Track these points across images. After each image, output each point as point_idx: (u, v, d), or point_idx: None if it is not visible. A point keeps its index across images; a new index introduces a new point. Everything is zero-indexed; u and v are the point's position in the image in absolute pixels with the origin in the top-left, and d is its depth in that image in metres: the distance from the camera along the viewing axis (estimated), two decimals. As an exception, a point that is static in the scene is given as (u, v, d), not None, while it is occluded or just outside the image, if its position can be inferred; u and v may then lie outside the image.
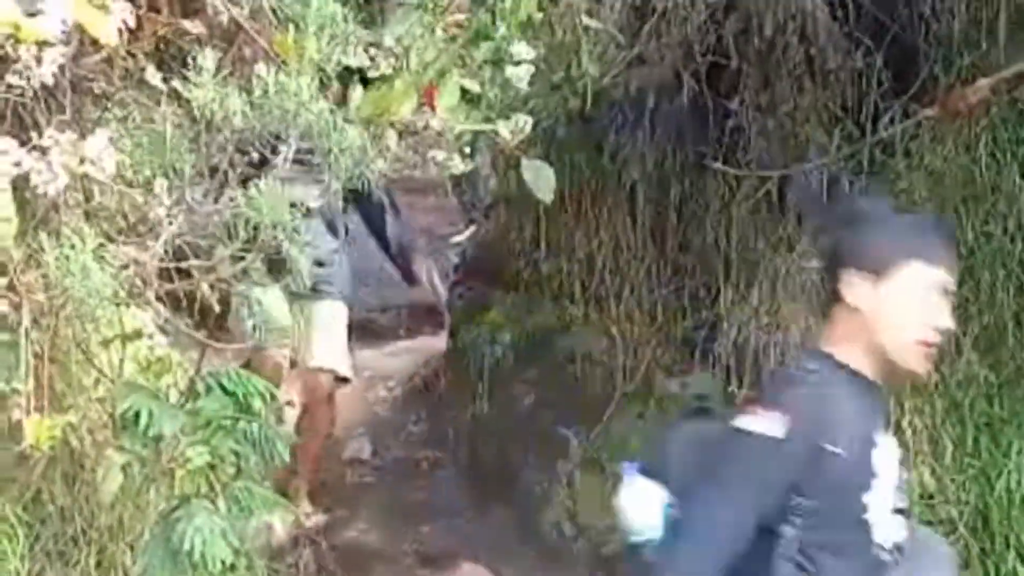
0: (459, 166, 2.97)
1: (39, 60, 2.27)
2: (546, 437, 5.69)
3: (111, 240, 2.80)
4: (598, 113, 5.39)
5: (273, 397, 3.36)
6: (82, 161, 2.24)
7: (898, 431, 4.63)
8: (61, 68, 2.37)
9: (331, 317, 5.80)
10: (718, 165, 4.96)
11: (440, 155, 2.93)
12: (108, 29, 2.30)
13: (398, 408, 7.25)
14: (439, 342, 7.53)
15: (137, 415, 2.94)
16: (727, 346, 5.07)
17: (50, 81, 2.31)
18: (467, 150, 3.02)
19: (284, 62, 2.63)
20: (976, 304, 4.73)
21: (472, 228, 7.99)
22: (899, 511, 2.47)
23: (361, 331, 8.79)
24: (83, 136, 2.31)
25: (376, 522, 5.95)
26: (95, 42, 2.52)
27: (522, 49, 3.07)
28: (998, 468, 4.49)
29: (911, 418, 4.67)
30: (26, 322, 2.65)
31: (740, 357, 5.03)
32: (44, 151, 2.27)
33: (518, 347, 6.08)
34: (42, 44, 2.26)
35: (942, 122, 4.54)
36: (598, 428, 5.46)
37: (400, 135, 3.00)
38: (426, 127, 2.99)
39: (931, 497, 4.46)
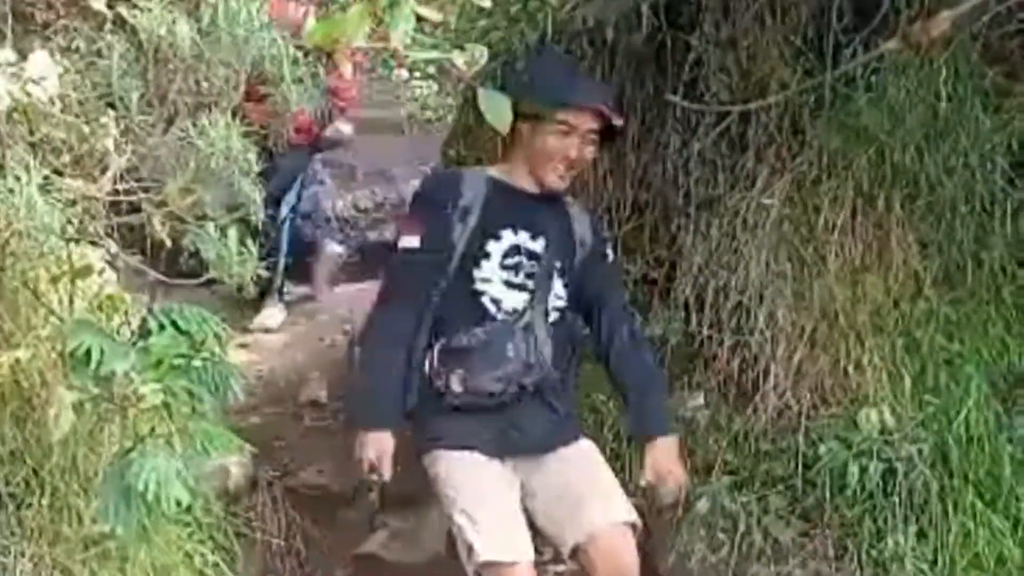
0: (421, 88, 2.91)
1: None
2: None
3: (58, 174, 2.72)
4: (556, 46, 5.31)
5: (227, 336, 3.30)
6: (24, 83, 2.15)
7: (858, 369, 4.64)
8: (-1, -6, 2.28)
9: None
10: (678, 100, 4.90)
11: (403, 74, 2.86)
12: (47, -51, 2.20)
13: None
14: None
15: (88, 353, 2.87)
16: (687, 285, 5.04)
17: (-11, 3, 2.22)
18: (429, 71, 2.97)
19: (234, -13, 2.55)
20: (937, 241, 4.73)
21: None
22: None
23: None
24: (24, 58, 2.22)
25: (334, 466, 5.91)
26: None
27: (480, -27, 2.99)
28: (957, 405, 4.51)
29: (870, 355, 4.67)
30: (-30, 258, 2.57)
31: (700, 295, 5.00)
32: (-17, 71, 2.19)
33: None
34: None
35: (904, 56, 4.50)
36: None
37: (355, 68, 2.92)
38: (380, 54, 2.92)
39: (891, 434, 4.46)
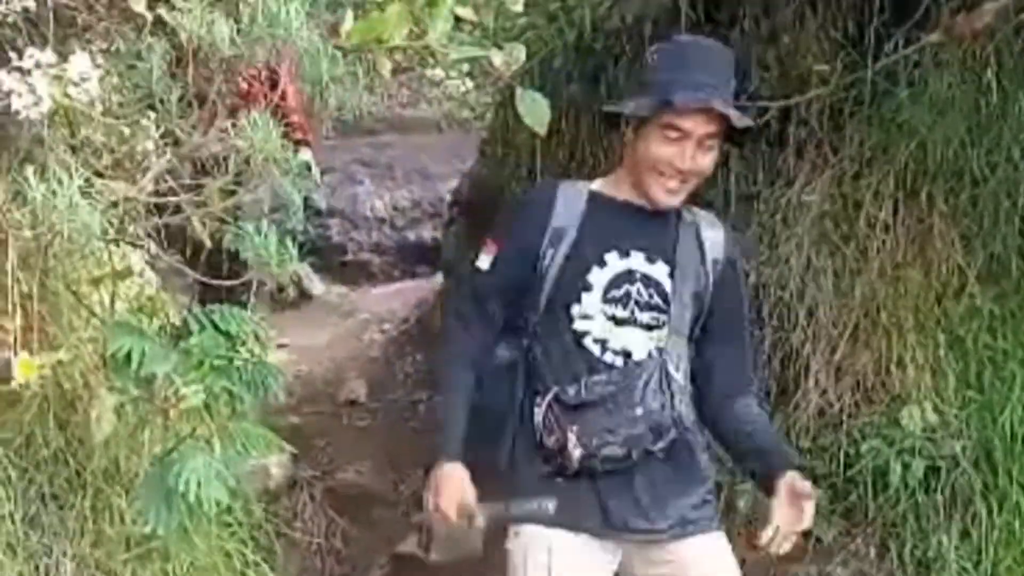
0: (458, 86, 2.91)
1: (17, -12, 2.19)
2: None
3: (99, 175, 2.73)
4: (595, 44, 5.29)
5: (267, 336, 3.30)
6: (65, 84, 2.15)
7: (900, 366, 4.60)
8: (42, -1, 2.29)
9: None
10: (717, 96, 4.86)
11: (439, 73, 2.85)
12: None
13: (393, 350, 7.21)
14: (433, 283, 7.49)
15: (128, 355, 2.88)
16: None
17: (32, 5, 2.23)
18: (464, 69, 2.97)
19: (273, -13, 2.54)
20: (980, 236, 4.68)
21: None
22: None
23: (355, 273, 8.80)
24: (65, 59, 2.23)
25: (373, 465, 5.93)
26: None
27: (516, -28, 2.98)
28: (1001, 402, 4.46)
29: (913, 352, 4.63)
30: (13, 260, 2.59)
31: (740, 292, 4.96)
32: (25, 73, 2.19)
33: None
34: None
35: (946, 49, 4.46)
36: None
37: (394, 67, 2.93)
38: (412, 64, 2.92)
39: (934, 431, 4.43)
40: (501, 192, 6.08)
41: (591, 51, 5.32)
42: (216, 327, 3.10)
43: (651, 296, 2.97)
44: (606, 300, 2.94)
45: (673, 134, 2.85)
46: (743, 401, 3.09)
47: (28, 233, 2.51)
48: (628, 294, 2.95)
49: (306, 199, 3.75)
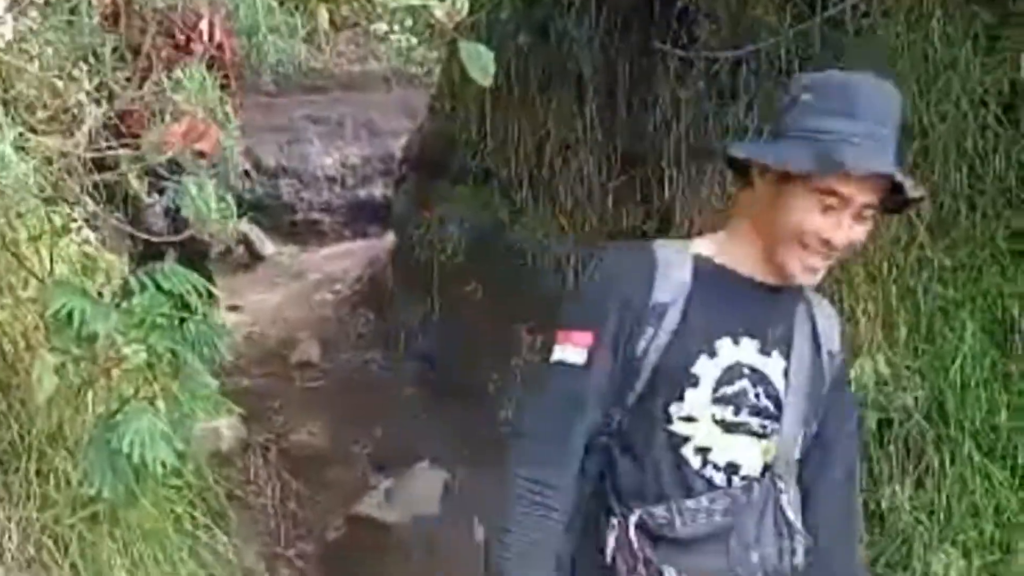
0: (400, 39, 2.85)
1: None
2: (499, 333, 5.63)
3: (33, 131, 2.67)
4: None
5: (211, 294, 3.26)
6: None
7: (851, 318, 4.59)
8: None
9: None
10: (667, 48, 4.83)
11: (382, 27, 2.80)
12: None
13: (345, 310, 7.17)
14: (385, 242, 7.44)
15: (70, 314, 2.84)
16: (680, 236, 4.99)
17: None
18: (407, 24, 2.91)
19: (207, -65, 2.48)
20: (929, 186, 4.67)
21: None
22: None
23: (306, 233, 8.74)
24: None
25: (327, 426, 5.90)
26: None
27: (461, -81, 2.92)
28: (952, 352, 4.47)
29: (864, 304, 4.63)
30: (-55, 219, 2.53)
31: (693, 247, 4.95)
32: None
33: (466, 242, 5.98)
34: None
35: (894, -2, 4.45)
36: (551, 322, 5.37)
37: (338, 23, 2.87)
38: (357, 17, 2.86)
39: (886, 384, 4.43)
40: (452, 147, 6.04)
41: (539, 3, 5.28)
42: (159, 286, 3.05)
43: (760, 397, 2.33)
44: (716, 399, 2.30)
45: (830, 200, 2.21)
46: (843, 558, 2.45)
47: (-40, 191, 2.45)
48: (743, 392, 2.31)
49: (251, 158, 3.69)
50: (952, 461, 4.30)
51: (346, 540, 5.13)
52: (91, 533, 3.34)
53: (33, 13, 2.71)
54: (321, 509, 5.29)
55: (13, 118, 2.54)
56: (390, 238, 7.25)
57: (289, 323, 6.97)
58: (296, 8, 2.68)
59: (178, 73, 2.52)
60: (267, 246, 8.38)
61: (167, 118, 2.55)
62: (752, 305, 2.34)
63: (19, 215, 2.90)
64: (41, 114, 2.72)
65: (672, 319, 2.28)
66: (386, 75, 8.80)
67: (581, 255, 4.79)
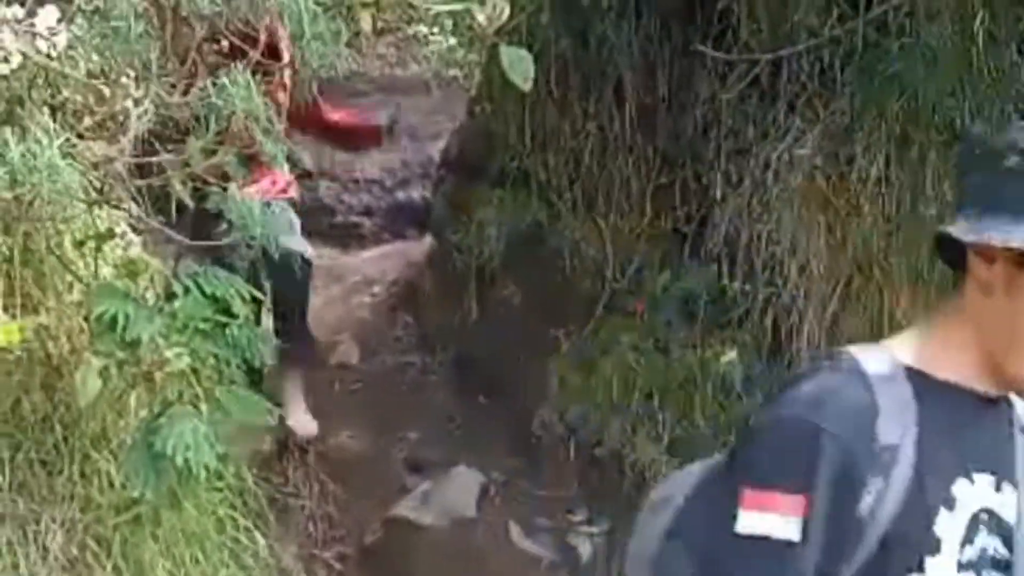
0: (440, 41, 2.85)
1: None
2: (535, 337, 5.62)
3: (80, 137, 2.69)
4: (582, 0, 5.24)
5: (255, 299, 3.27)
6: (35, 37, 2.11)
7: (893, 322, 4.57)
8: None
9: None
10: (708, 50, 4.82)
11: (422, 28, 2.80)
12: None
13: (384, 312, 7.17)
14: (423, 245, 7.43)
15: (113, 318, 2.86)
16: (718, 239, 4.97)
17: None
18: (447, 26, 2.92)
19: (253, -57, 2.50)
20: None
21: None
22: None
23: (344, 236, 8.74)
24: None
25: (365, 429, 5.90)
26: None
27: (502, -75, 2.93)
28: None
29: (906, 308, 4.61)
30: (-8, 223, 2.56)
31: (732, 250, 4.94)
32: (-8, 29, 2.16)
33: (505, 245, 5.98)
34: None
35: (938, -1, 4.42)
36: (589, 326, 5.38)
37: (379, 27, 2.88)
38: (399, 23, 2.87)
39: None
40: (491, 150, 6.03)
41: (578, 7, 5.26)
42: (202, 290, 3.07)
43: (999, 549, 1.77)
44: (961, 566, 1.72)
45: None
46: None
47: (8, 195, 2.48)
48: (984, 551, 1.75)
49: (292, 160, 3.71)
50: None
51: (383, 542, 5.13)
52: (133, 535, 3.36)
53: (80, 20, 2.73)
54: (358, 511, 5.30)
55: (61, 124, 2.57)
56: (428, 241, 7.24)
57: (328, 325, 6.96)
58: (339, 14, 2.69)
59: (223, 79, 2.54)
60: (306, 248, 8.39)
61: (212, 123, 2.57)
62: (979, 427, 1.79)
63: (65, 220, 2.93)
64: (88, 120, 2.74)
65: (905, 466, 1.67)
66: (426, 78, 8.81)
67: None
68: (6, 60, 2.16)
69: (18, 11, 2.17)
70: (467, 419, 5.89)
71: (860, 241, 4.66)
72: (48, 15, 2.21)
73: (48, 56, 2.24)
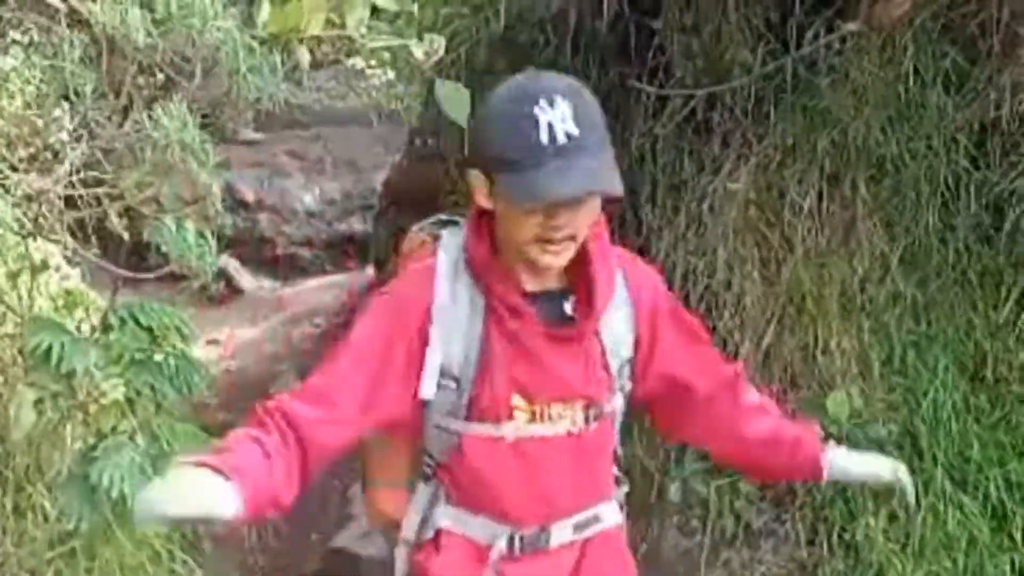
0: (380, 75, 2.89)
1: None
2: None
3: (13, 169, 2.69)
4: (520, 35, 5.28)
5: (190, 331, 3.28)
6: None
7: (826, 352, 4.64)
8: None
9: None
10: (643, 86, 4.88)
11: (359, 62, 2.84)
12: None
13: (325, 344, 7.17)
14: (365, 276, 7.46)
15: (48, 350, 2.85)
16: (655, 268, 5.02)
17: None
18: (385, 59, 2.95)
19: (187, -23, 2.52)
20: (902, 222, 4.73)
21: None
22: None
23: (286, 267, 8.75)
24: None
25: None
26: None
27: (437, -40, 2.98)
28: (925, 386, 4.51)
29: (838, 339, 4.67)
30: (-76, 256, 2.55)
31: (668, 280, 4.96)
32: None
33: (445, 277, 6.00)
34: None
35: (866, 37, 4.50)
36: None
37: (317, 60, 2.91)
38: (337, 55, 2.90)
39: (860, 416, 4.47)
40: (430, 183, 6.07)
41: (516, 42, 5.32)
42: (138, 322, 3.08)
43: None
44: None
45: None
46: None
47: (-61, 228, 2.48)
48: None
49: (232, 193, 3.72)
50: (926, 492, 4.33)
51: (324, 574, 5.12)
52: (68, 568, 3.35)
53: (15, 51, 2.74)
54: (299, 543, 5.28)
55: (-6, 156, 2.57)
56: (369, 272, 7.27)
57: (268, 357, 6.96)
58: (276, 48, 2.71)
59: (158, 111, 2.56)
60: (246, 279, 8.39)
61: (147, 155, 2.58)
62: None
63: (-2, 252, 2.93)
64: (22, 152, 2.74)
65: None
66: (367, 111, 8.85)
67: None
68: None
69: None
70: (409, 449, 5.89)
71: (793, 273, 4.72)
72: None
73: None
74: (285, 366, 6.79)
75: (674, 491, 4.67)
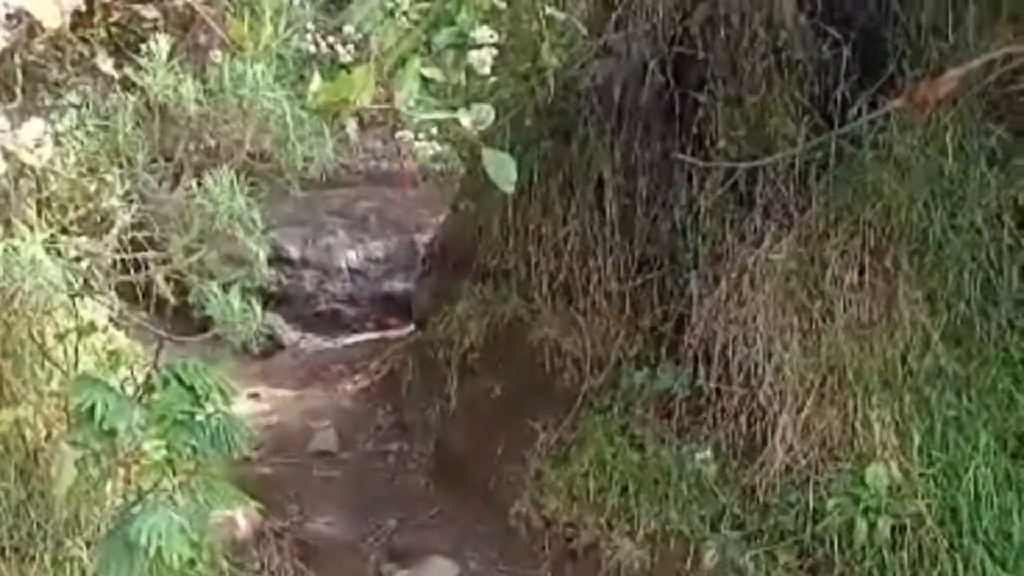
0: (427, 149, 2.93)
1: (-19, 44, 2.22)
2: (514, 429, 5.66)
3: (64, 231, 2.74)
4: (565, 104, 5.35)
5: (232, 390, 3.31)
6: (20, 148, 2.17)
7: (866, 425, 4.62)
8: (10, 53, 2.32)
9: None
10: (685, 157, 4.92)
11: (407, 135, 2.89)
12: (53, 12, 2.23)
13: (364, 400, 7.20)
14: (406, 335, 7.49)
15: (92, 409, 2.89)
16: (695, 339, 5.04)
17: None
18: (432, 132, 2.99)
19: (240, 48, 2.57)
20: (944, 296, 4.72)
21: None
22: None
23: (328, 324, 8.79)
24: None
25: (343, 516, 5.91)
26: (44, 28, 2.46)
27: (484, 33, 3.02)
28: (965, 462, 4.48)
29: (879, 411, 4.65)
30: (-25, 314, 2.60)
31: (708, 350, 5.00)
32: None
33: (486, 339, 6.04)
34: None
35: (910, 113, 4.52)
36: (566, 420, 5.43)
37: (364, 123, 2.95)
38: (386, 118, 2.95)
39: (899, 490, 4.44)
40: (474, 245, 6.12)
41: (562, 111, 5.38)
42: (181, 381, 3.11)
43: None
44: None
45: None
46: None
47: (-9, 288, 2.53)
48: None
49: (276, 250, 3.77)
50: (965, 568, 4.30)
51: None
52: (105, 624, 3.37)
53: (70, 114, 2.80)
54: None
55: (46, 219, 2.63)
56: (411, 331, 7.31)
57: (308, 412, 7.00)
58: (325, 120, 2.76)
59: (207, 179, 2.60)
60: (288, 335, 8.46)
61: (196, 221, 2.63)
62: None
63: (47, 311, 2.98)
64: (72, 214, 2.80)
65: None
66: (410, 173, 8.95)
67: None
68: (-7, 160, 2.22)
69: (2, 121, 2.23)
70: (445, 509, 5.90)
71: (833, 345, 4.71)
72: (32, 127, 2.27)
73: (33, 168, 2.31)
74: (326, 423, 6.82)
75: (710, 558, 4.65)
